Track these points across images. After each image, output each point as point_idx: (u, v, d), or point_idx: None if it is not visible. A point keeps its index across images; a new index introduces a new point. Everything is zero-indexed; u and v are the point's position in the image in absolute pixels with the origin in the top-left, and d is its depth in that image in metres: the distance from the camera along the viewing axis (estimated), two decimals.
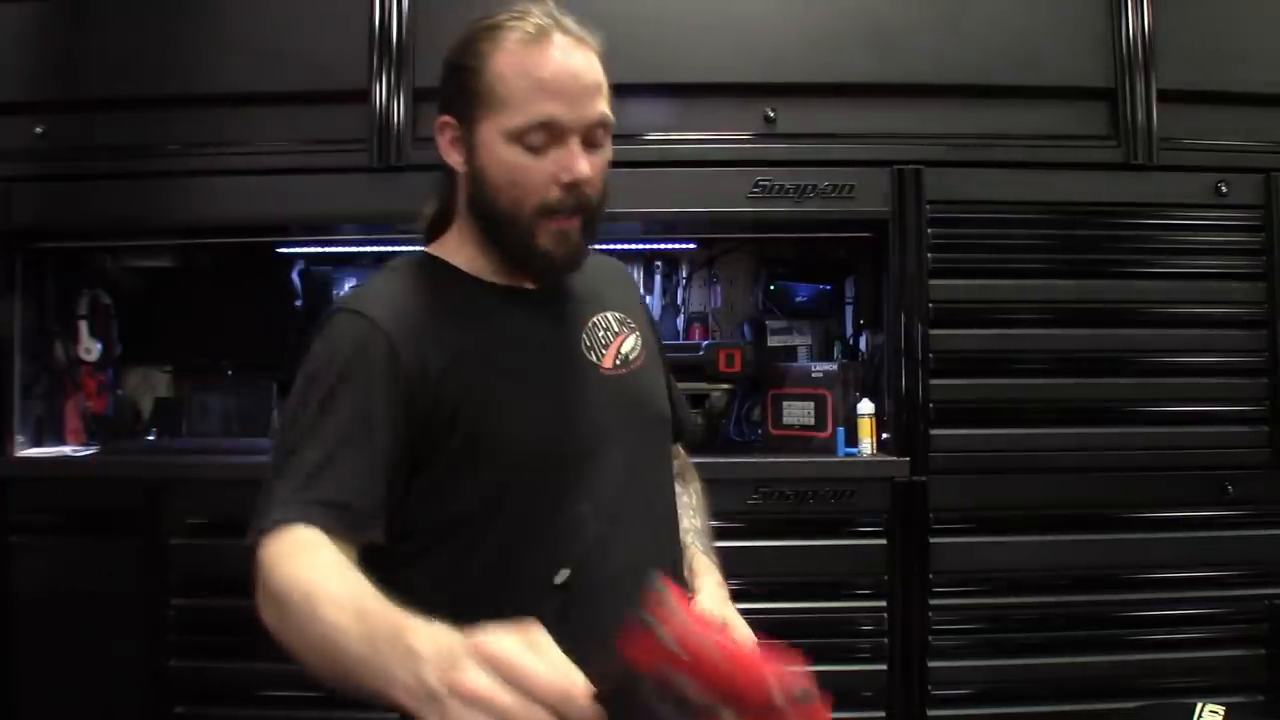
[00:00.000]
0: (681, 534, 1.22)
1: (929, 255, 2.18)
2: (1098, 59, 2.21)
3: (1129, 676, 2.12)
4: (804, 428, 2.26)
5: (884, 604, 2.11)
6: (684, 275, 2.64)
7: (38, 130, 2.23)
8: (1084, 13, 2.22)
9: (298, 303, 2.55)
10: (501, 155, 1.01)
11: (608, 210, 1.10)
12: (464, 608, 0.81)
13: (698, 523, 1.26)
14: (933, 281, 2.17)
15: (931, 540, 2.12)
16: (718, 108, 2.21)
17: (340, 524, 0.91)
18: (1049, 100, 2.22)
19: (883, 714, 2.11)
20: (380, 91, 2.17)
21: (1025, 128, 2.22)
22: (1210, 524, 2.17)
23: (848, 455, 2.21)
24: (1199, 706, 1.86)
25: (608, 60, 1.06)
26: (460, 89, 1.04)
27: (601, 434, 1.07)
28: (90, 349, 2.43)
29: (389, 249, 2.59)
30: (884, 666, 2.11)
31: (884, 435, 2.22)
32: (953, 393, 2.16)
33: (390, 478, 0.96)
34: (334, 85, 2.19)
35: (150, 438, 2.50)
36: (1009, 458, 2.15)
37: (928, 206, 2.18)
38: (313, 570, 0.83)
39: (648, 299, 2.55)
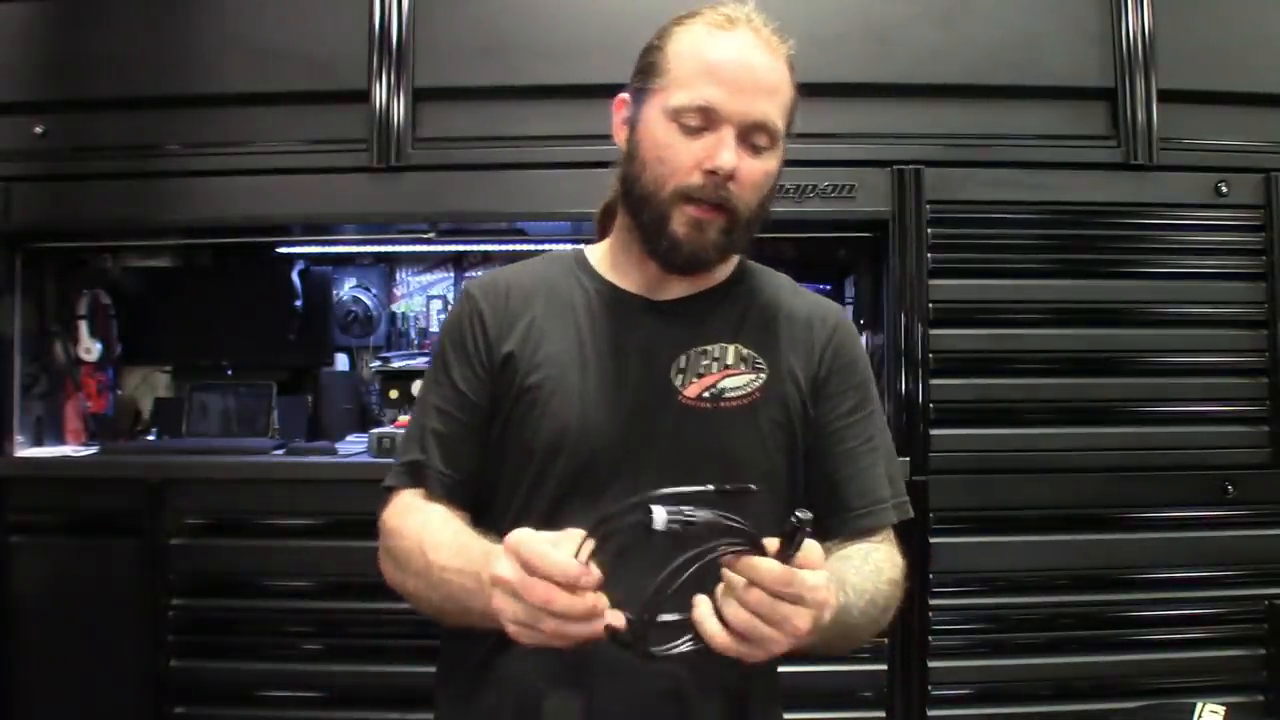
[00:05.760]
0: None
1: (929, 255, 2.17)
2: (1097, 59, 2.21)
3: (1129, 676, 2.12)
4: None
5: None
6: None
7: (38, 130, 2.23)
8: (1084, 12, 2.22)
9: (298, 303, 2.55)
10: (656, 131, 1.00)
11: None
12: None
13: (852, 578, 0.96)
14: (933, 281, 2.17)
15: (931, 540, 2.11)
16: None
17: (420, 483, 1.05)
18: (1048, 100, 2.22)
19: (882, 714, 2.10)
20: (380, 91, 2.17)
21: (1025, 127, 2.22)
22: (1210, 524, 2.17)
23: None
24: (1199, 706, 1.86)
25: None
26: (642, 66, 1.04)
27: (643, 458, 1.01)
28: (90, 349, 2.43)
29: (389, 249, 2.60)
30: (884, 666, 2.11)
31: None
32: (952, 393, 2.16)
33: (477, 441, 1.06)
34: (334, 85, 2.19)
35: (150, 438, 2.50)
36: (1009, 458, 2.15)
37: (927, 206, 2.18)
38: (420, 529, 0.99)
39: None
